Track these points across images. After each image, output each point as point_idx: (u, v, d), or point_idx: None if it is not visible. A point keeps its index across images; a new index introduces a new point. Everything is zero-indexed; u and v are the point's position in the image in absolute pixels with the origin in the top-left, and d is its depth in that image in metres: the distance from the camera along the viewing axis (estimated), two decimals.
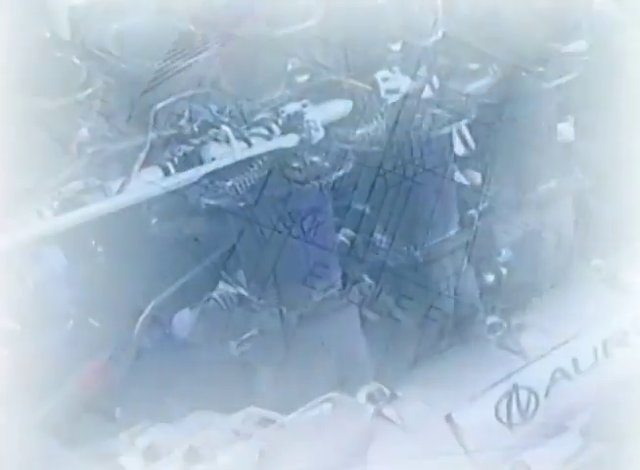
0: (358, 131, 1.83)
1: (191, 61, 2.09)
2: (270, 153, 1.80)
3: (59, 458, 1.41)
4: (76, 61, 2.03)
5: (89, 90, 1.95)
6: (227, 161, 1.89)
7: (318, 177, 1.60)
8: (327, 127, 2.06)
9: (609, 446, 1.65)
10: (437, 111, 1.83)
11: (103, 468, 1.38)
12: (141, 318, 1.78)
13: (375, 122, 1.87)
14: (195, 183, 1.71)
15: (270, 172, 1.70)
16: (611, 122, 2.17)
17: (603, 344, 1.66)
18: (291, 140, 2.10)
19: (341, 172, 1.61)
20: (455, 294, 1.87)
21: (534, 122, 1.96)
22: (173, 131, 2.08)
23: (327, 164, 1.65)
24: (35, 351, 1.84)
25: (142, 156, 1.96)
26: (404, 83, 2.35)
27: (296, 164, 1.69)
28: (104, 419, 1.81)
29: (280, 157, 1.74)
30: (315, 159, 1.68)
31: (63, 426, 1.73)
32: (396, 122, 1.86)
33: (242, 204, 1.58)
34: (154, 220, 2.11)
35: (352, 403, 1.45)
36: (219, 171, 1.76)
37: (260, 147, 2.03)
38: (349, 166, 1.64)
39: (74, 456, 1.43)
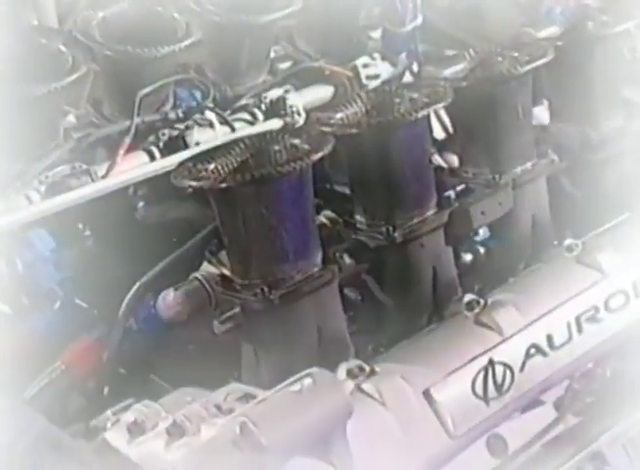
0: (338, 115, 1.83)
1: (175, 48, 2.08)
2: (252, 136, 1.80)
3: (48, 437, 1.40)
4: (62, 48, 2.02)
5: (74, 77, 1.94)
6: (211, 145, 1.89)
7: (299, 159, 1.59)
8: (307, 111, 2.07)
9: (581, 419, 1.66)
10: (415, 95, 1.83)
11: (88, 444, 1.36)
12: (126, 299, 1.77)
13: (355, 106, 1.87)
14: (178, 166, 1.71)
15: (252, 155, 1.70)
16: (584, 106, 2.17)
17: (576, 320, 1.65)
18: (274, 125, 2.10)
19: (320, 154, 1.60)
20: (434, 273, 1.88)
21: (510, 106, 1.96)
22: (158, 116, 2.07)
23: (306, 146, 1.65)
24: (24, 332, 1.84)
25: (127, 140, 1.96)
26: (384, 69, 2.35)
27: (277, 147, 1.69)
28: (92, 398, 1.81)
29: (261, 140, 1.74)
30: (295, 141, 1.68)
31: (51, 405, 1.73)
32: (374, 106, 1.86)
33: (224, 185, 1.58)
34: (140, 204, 2.11)
35: (332, 379, 1.44)
36: (202, 154, 1.75)
37: (244, 132, 2.04)
38: (329, 148, 1.63)
39: (63, 434, 1.42)
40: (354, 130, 1.78)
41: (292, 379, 1.39)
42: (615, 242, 1.80)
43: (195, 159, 1.70)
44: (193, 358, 1.84)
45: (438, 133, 2.23)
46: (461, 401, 1.54)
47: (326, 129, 1.77)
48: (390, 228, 1.80)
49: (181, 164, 1.71)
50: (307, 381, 1.38)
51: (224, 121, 2.06)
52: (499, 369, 1.57)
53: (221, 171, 1.64)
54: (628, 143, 2.16)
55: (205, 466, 1.29)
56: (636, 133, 2.18)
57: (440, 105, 1.81)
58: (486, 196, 1.94)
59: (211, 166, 1.64)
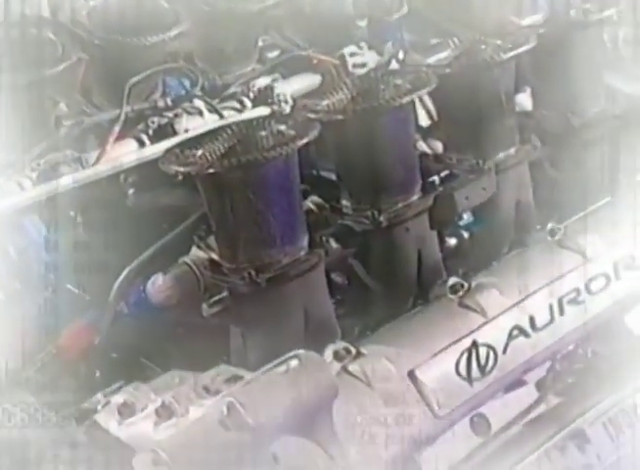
0: (324, 102, 1.82)
1: (164, 36, 2.07)
2: (239, 123, 1.79)
3: (39, 420, 1.40)
4: (52, 37, 2.00)
5: (64, 65, 1.93)
6: (198, 131, 1.88)
7: (284, 144, 1.58)
8: (295, 99, 2.06)
9: (563, 399, 1.66)
10: (399, 81, 1.82)
11: (79, 426, 1.36)
12: (117, 284, 1.77)
13: (340, 93, 1.86)
14: (166, 152, 1.70)
15: (239, 141, 1.69)
16: (566, 92, 2.17)
17: (558, 302, 1.65)
18: (261, 113, 2.09)
19: (306, 139, 1.60)
20: (419, 256, 1.87)
21: (493, 92, 1.96)
22: (147, 105, 2.06)
23: (292, 132, 1.64)
24: (17, 317, 1.83)
25: (117, 128, 1.95)
26: (371, 58, 2.34)
27: (263, 133, 1.68)
28: (83, 381, 1.81)
29: (248, 126, 1.73)
30: (281, 127, 1.67)
31: (44, 388, 1.73)
32: (360, 93, 1.85)
33: (211, 171, 1.57)
34: (131, 191, 2.10)
35: (319, 360, 1.44)
36: (190, 140, 1.75)
37: (232, 120, 2.02)
38: (315, 134, 1.63)
39: (55, 417, 1.42)
40: (340, 117, 1.77)
41: (278, 360, 1.38)
42: (596, 225, 1.80)
43: (182, 145, 1.70)
44: (182, 342, 1.84)
45: (423, 120, 2.22)
46: (445, 382, 1.54)
47: (312, 116, 1.76)
48: (376, 212, 1.80)
49: (169, 150, 1.70)
50: (294, 362, 1.38)
51: (213, 109, 2.05)
52: (483, 350, 1.57)
53: (208, 157, 1.63)
54: (609, 128, 2.16)
55: (193, 446, 1.29)
56: (617, 118, 2.18)
57: (424, 91, 1.80)
58: (470, 181, 1.93)
59: (199, 152, 1.64)
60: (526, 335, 1.62)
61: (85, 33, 1.98)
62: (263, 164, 1.58)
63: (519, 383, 1.66)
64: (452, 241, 1.98)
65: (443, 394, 1.53)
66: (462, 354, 1.56)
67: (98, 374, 1.81)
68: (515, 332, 1.61)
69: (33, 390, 1.65)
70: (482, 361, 1.57)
